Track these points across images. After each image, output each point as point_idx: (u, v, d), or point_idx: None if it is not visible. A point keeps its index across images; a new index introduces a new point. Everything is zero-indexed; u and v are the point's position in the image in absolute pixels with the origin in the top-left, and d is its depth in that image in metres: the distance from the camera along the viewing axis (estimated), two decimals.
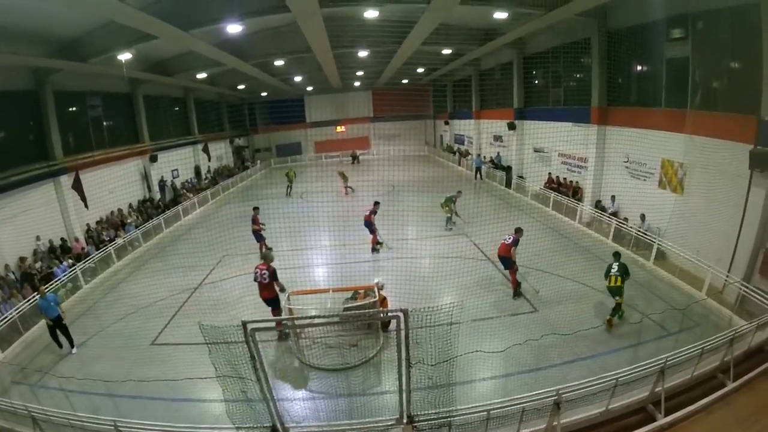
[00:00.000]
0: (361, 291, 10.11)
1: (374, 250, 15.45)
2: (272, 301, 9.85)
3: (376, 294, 9.46)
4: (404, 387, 6.11)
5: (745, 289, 9.68)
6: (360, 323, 9.34)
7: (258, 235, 15.74)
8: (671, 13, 12.51)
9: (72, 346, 10.07)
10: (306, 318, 8.48)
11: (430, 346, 6.36)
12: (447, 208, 17.34)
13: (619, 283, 9.56)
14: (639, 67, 15.33)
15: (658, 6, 12.31)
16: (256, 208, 15.88)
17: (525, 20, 15.75)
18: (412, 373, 6.04)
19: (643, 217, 13.83)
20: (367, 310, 8.91)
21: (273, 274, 9.59)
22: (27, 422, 6.88)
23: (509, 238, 11.41)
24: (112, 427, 6.34)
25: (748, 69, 10.60)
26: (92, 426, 6.53)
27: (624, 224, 14.41)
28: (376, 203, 15.60)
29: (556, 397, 6.26)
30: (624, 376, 6.59)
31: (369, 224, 15.42)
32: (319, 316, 8.07)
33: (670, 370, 6.96)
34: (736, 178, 10.53)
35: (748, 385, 7.48)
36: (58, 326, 9.89)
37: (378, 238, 15.58)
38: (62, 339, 10.05)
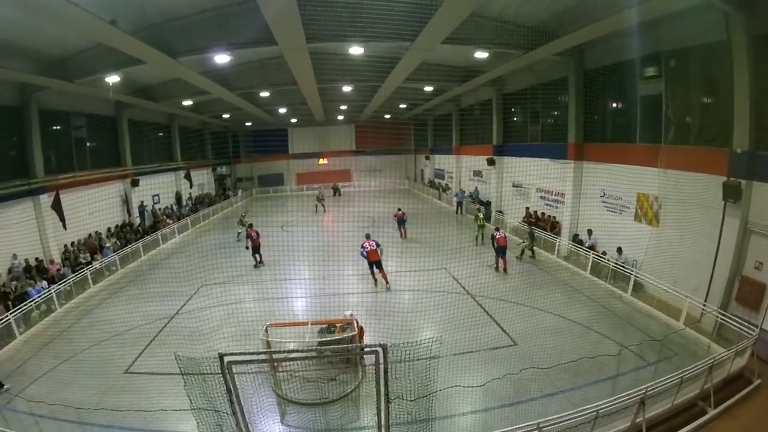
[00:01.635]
0: (338, 324, 9.90)
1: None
2: (380, 264, 14.02)
3: (355, 328, 9.34)
4: (383, 423, 6.00)
5: (722, 316, 9.87)
6: (338, 357, 9.18)
7: (256, 248, 17.38)
8: (645, 52, 12.99)
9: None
10: (284, 352, 8.37)
11: (409, 381, 6.30)
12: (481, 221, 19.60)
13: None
14: (614, 105, 15.87)
15: (633, 45, 12.75)
16: (251, 225, 18.20)
17: (504, 60, 16.31)
18: (391, 408, 5.95)
19: (620, 250, 14.05)
20: (346, 345, 8.77)
21: (377, 243, 14.05)
22: None
23: (503, 233, 15.68)
24: None
25: (719, 104, 11.08)
26: None
27: (602, 257, 14.64)
28: (400, 209, 21.51)
29: (536, 431, 6.22)
30: (605, 407, 6.61)
31: (402, 220, 21.26)
32: (297, 350, 7.93)
33: (651, 400, 7.01)
34: (710, 210, 10.90)
35: (729, 412, 7.58)
36: None
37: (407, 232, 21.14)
38: None
